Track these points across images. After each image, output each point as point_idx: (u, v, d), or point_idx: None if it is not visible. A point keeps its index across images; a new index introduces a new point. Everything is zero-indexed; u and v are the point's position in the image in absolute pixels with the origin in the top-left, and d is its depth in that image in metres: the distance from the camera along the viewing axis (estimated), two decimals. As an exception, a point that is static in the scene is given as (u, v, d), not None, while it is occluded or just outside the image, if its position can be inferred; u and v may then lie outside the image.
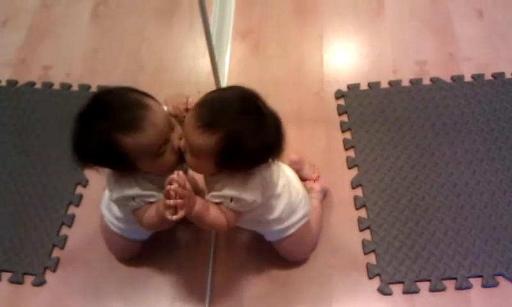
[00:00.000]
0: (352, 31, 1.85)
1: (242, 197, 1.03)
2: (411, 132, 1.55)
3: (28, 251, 1.40)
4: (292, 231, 1.23)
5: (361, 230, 1.39)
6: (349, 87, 1.68)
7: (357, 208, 1.43)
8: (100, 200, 1.33)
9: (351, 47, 1.81)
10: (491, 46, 1.74)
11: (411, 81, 1.67)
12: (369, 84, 1.68)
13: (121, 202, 1.09)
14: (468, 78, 1.66)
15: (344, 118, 1.61)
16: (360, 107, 1.62)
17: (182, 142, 1.03)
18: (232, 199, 1.03)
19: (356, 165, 1.50)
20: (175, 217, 0.94)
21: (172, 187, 0.92)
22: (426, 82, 1.67)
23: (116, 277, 1.36)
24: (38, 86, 1.79)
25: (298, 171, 1.38)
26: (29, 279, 1.37)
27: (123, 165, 1.01)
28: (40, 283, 1.35)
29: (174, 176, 0.93)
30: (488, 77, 1.66)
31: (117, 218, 1.24)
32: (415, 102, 1.62)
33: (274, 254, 1.34)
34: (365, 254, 1.35)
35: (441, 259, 1.32)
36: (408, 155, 1.51)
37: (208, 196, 1.07)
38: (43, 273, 1.37)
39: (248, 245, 1.38)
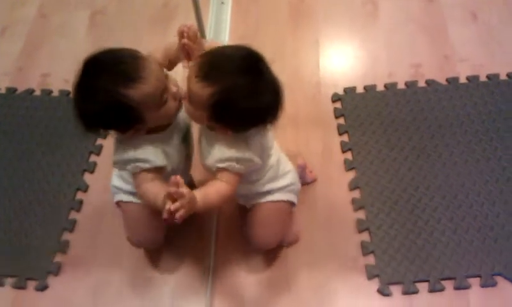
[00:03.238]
0: (348, 35, 1.87)
1: (248, 157, 1.05)
2: (407, 134, 1.57)
3: (31, 256, 1.41)
4: (271, 198, 1.23)
5: (359, 232, 1.40)
6: (345, 90, 1.70)
7: (355, 210, 1.44)
8: (101, 205, 1.34)
9: (346, 51, 1.83)
10: (486, 48, 1.76)
11: (406, 84, 1.69)
12: (365, 87, 1.69)
13: (119, 166, 1.10)
14: (463, 80, 1.68)
15: (341, 120, 1.63)
16: (356, 110, 1.64)
17: (184, 89, 1.05)
18: (237, 161, 1.04)
19: (353, 168, 1.52)
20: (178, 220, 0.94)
21: (172, 207, 0.92)
22: (421, 84, 1.68)
23: (117, 281, 1.37)
24: (37, 93, 1.80)
25: (300, 175, 1.40)
26: (32, 284, 1.38)
27: (130, 121, 1.02)
28: (42, 287, 1.36)
29: (171, 189, 0.92)
30: (483, 78, 1.68)
31: None
32: (410, 104, 1.63)
33: (274, 259, 1.36)
34: (364, 255, 1.36)
35: (439, 259, 1.33)
36: (405, 156, 1.52)
37: (211, 162, 1.07)
38: (46, 278, 1.38)
39: (249, 252, 1.39)
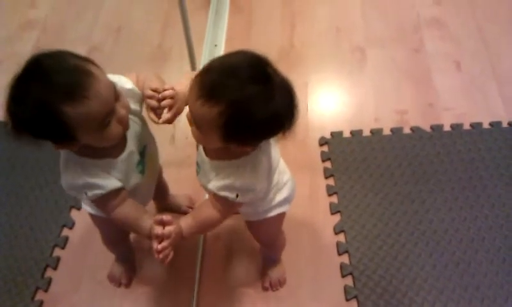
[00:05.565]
0: (337, 79, 1.92)
1: (251, 188, 0.97)
2: (392, 179, 1.59)
3: (11, 292, 1.40)
4: (268, 215, 1.15)
5: (343, 276, 1.40)
6: (332, 134, 1.73)
7: (339, 254, 1.45)
8: (85, 243, 1.33)
9: (334, 96, 1.87)
10: (470, 97, 1.81)
11: (391, 130, 1.73)
12: (352, 132, 1.73)
13: (74, 192, 1.02)
14: (447, 128, 1.72)
15: (328, 164, 1.65)
16: (342, 154, 1.67)
17: (187, 113, 0.94)
18: (237, 195, 0.96)
19: (338, 211, 1.54)
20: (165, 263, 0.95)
21: (159, 247, 0.93)
22: (406, 131, 1.72)
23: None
24: (29, 128, 1.81)
25: None
26: (10, 322, 1.36)
27: (62, 137, 0.92)
28: (21, 326, 1.35)
29: (158, 231, 0.94)
30: (467, 126, 1.72)
31: None
32: (395, 150, 1.67)
33: (258, 301, 1.36)
34: (347, 300, 1.36)
35: (422, 306, 1.34)
36: (389, 202, 1.54)
37: (212, 186, 0.98)
38: (26, 316, 1.36)
39: (231, 286, 1.39)
